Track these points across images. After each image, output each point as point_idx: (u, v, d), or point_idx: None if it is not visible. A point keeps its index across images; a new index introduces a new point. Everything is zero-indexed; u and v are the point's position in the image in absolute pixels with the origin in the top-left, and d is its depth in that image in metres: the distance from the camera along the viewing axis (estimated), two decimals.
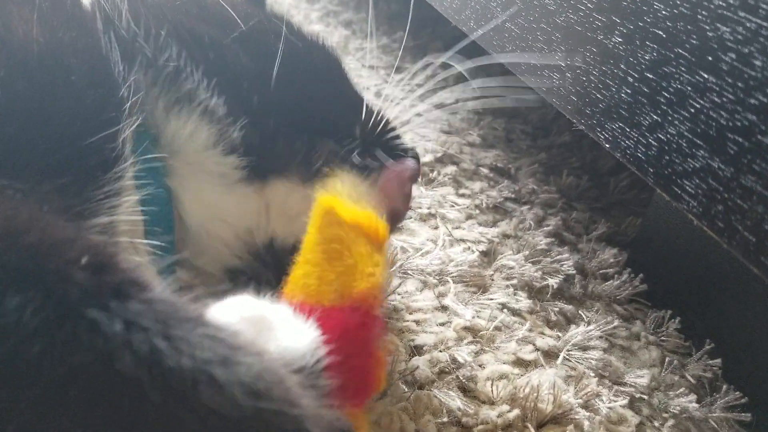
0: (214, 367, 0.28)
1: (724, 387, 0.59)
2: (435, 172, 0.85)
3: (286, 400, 0.30)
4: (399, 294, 0.63)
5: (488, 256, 0.71)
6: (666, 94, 0.49)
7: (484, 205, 0.81)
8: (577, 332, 0.62)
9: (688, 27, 0.46)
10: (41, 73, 0.40)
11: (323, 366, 0.37)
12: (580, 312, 0.66)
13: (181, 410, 0.27)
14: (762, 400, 0.58)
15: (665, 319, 0.67)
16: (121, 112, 0.43)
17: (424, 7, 0.97)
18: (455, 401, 0.52)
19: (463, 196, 0.82)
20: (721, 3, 0.43)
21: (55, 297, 0.28)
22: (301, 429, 0.29)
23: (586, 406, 0.55)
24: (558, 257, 0.72)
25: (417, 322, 0.61)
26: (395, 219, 0.55)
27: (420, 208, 0.77)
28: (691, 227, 0.65)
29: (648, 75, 0.50)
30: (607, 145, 0.56)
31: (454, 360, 0.56)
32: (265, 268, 0.54)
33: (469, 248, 0.72)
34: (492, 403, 0.53)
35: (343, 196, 0.47)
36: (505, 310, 0.64)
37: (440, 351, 0.57)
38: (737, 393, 0.58)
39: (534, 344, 0.60)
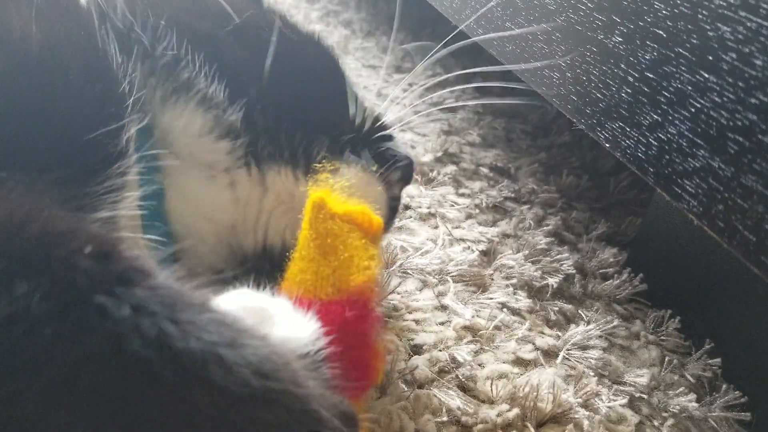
0: (222, 348, 0.29)
1: (724, 386, 0.59)
2: (435, 172, 0.85)
3: (292, 381, 0.30)
4: (398, 293, 0.63)
5: (488, 255, 0.71)
6: (666, 94, 0.49)
7: (484, 204, 0.81)
8: (576, 332, 0.62)
9: (689, 26, 0.46)
10: (40, 69, 0.40)
11: (324, 357, 0.37)
12: (579, 311, 0.66)
13: (192, 389, 0.28)
14: (762, 399, 0.58)
15: (665, 318, 0.67)
16: (123, 108, 0.43)
17: (424, 7, 0.97)
18: (455, 400, 0.52)
19: (463, 195, 0.82)
20: (721, 2, 0.43)
21: (62, 284, 0.28)
22: (307, 409, 0.30)
23: (585, 406, 0.55)
24: (558, 257, 0.72)
25: (416, 321, 0.61)
26: None
27: (420, 207, 0.77)
28: (691, 227, 0.65)
29: (648, 74, 0.50)
30: (607, 145, 0.56)
31: (453, 359, 0.56)
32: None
33: (468, 248, 0.72)
34: (492, 402, 0.53)
35: (335, 191, 0.48)
36: (504, 310, 0.64)
37: (440, 350, 0.57)
38: (737, 392, 0.58)
39: (534, 343, 0.60)
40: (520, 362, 0.58)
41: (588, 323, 0.64)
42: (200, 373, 0.28)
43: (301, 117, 0.54)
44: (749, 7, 0.41)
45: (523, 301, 0.65)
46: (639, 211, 0.83)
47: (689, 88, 0.46)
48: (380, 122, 0.59)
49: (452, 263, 0.68)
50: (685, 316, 0.67)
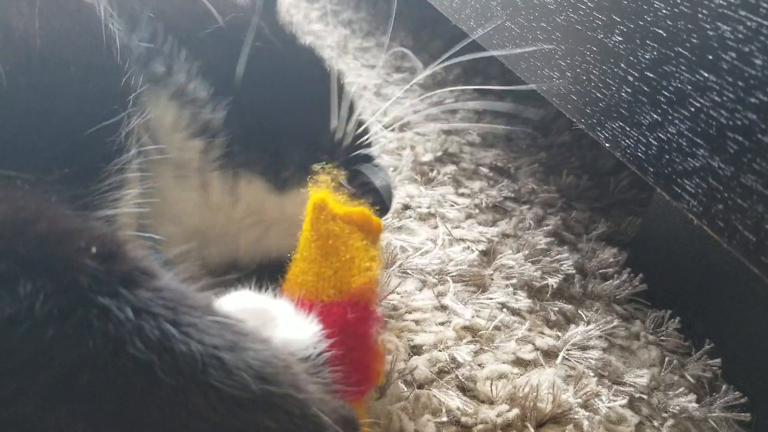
0: (223, 352, 0.29)
1: (724, 387, 0.59)
2: (435, 172, 0.85)
3: (293, 385, 0.30)
4: (398, 293, 0.63)
5: (488, 255, 0.71)
6: (666, 93, 0.48)
7: (484, 204, 0.80)
8: (576, 332, 0.62)
9: (689, 26, 0.46)
10: (43, 67, 0.40)
11: (325, 359, 0.37)
12: (579, 311, 0.66)
13: (191, 392, 0.28)
14: (762, 399, 0.58)
15: (665, 318, 0.67)
16: (123, 102, 0.43)
17: (424, 7, 0.97)
18: (454, 401, 0.52)
19: (462, 195, 0.82)
20: (721, 2, 0.43)
21: (65, 284, 0.29)
22: (307, 413, 0.30)
23: (585, 406, 0.55)
24: (558, 257, 0.72)
25: (416, 321, 0.60)
26: None
27: (419, 207, 0.77)
28: (691, 227, 0.65)
29: (648, 74, 0.50)
30: (607, 145, 0.56)
31: (453, 359, 0.56)
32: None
33: (468, 248, 0.72)
34: (491, 402, 0.53)
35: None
36: (504, 310, 0.63)
37: (439, 350, 0.57)
38: (737, 393, 0.58)
39: (533, 344, 0.60)
40: (519, 362, 0.58)
41: (588, 323, 0.64)
42: (200, 376, 0.28)
43: (276, 127, 0.52)
44: (749, 6, 0.41)
45: (522, 302, 0.65)
46: (639, 211, 0.83)
47: (689, 87, 0.46)
48: (361, 140, 0.56)
49: (452, 263, 0.68)
50: (685, 317, 0.67)
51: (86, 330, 0.28)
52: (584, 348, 0.61)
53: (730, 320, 0.63)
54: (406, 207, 0.77)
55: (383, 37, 1.29)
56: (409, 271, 0.66)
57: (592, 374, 0.58)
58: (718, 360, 0.62)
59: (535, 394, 0.53)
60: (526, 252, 0.71)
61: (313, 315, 0.40)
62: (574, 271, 0.70)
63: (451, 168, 0.87)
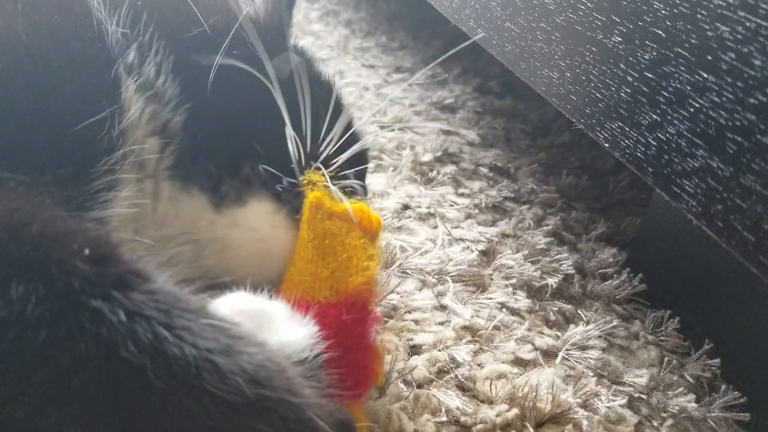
0: (216, 356, 0.29)
1: (723, 387, 0.59)
2: (434, 172, 0.85)
3: (287, 389, 0.30)
4: (398, 293, 0.63)
5: (487, 255, 0.71)
6: (665, 94, 0.49)
7: (484, 204, 0.80)
8: (576, 332, 0.62)
9: (688, 26, 0.46)
10: (30, 65, 0.39)
11: (322, 360, 0.37)
12: (579, 311, 0.66)
13: (185, 396, 0.28)
14: (761, 399, 0.58)
15: (664, 318, 0.67)
16: (115, 96, 0.42)
17: (424, 7, 0.97)
18: (454, 400, 0.52)
19: (462, 195, 0.82)
20: (720, 2, 0.43)
21: (58, 287, 0.28)
22: (302, 417, 0.30)
23: (584, 406, 0.55)
24: (557, 257, 0.72)
25: (416, 321, 0.60)
26: None
27: (419, 207, 0.77)
28: (690, 227, 0.65)
29: (647, 74, 0.50)
30: (607, 145, 0.56)
31: (452, 359, 0.56)
32: None
33: (468, 247, 0.72)
34: (491, 402, 0.53)
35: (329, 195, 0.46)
36: (504, 310, 0.63)
37: (439, 350, 0.57)
38: (736, 393, 0.58)
39: (533, 344, 0.60)
40: (519, 362, 0.58)
41: (587, 323, 0.64)
42: (194, 380, 0.28)
43: (232, 140, 0.49)
44: (748, 7, 0.41)
45: (522, 301, 0.65)
46: (638, 211, 0.83)
47: (688, 88, 0.46)
48: (336, 160, 0.52)
49: (451, 263, 0.68)
50: (684, 317, 0.67)
51: (78, 333, 0.28)
52: (583, 348, 0.61)
53: (730, 320, 0.63)
54: (406, 207, 0.77)
55: (383, 37, 1.29)
56: (408, 271, 0.66)
57: (591, 374, 0.58)
58: (718, 360, 0.62)
59: (534, 393, 0.53)
60: (526, 252, 0.71)
61: (309, 316, 0.40)
62: (573, 271, 0.70)
63: (450, 168, 0.87)
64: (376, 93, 1.04)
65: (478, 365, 0.57)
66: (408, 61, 1.20)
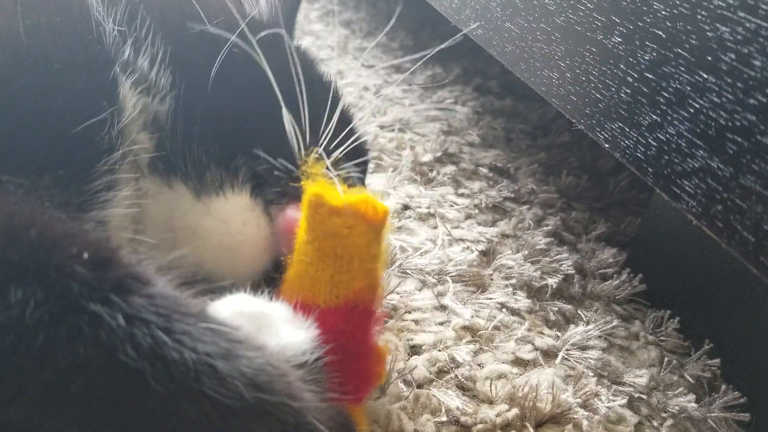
0: (216, 360, 0.29)
1: (723, 387, 0.59)
2: (434, 172, 0.85)
3: (287, 393, 0.30)
4: (398, 293, 0.63)
5: (487, 255, 0.71)
6: (665, 94, 0.49)
7: (484, 204, 0.80)
8: (576, 332, 0.62)
9: (688, 27, 0.46)
10: (30, 66, 0.39)
11: (323, 363, 0.37)
12: (579, 312, 0.66)
13: (184, 400, 0.28)
14: (761, 399, 0.58)
15: (664, 318, 0.67)
16: (113, 97, 0.42)
17: (424, 7, 0.97)
18: (454, 400, 0.52)
19: (462, 195, 0.82)
20: (720, 3, 0.43)
21: (57, 291, 0.28)
22: (302, 421, 0.30)
23: (584, 406, 0.55)
24: (557, 257, 0.72)
25: (416, 321, 0.61)
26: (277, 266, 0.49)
27: (419, 207, 0.77)
28: (690, 227, 0.65)
29: (647, 75, 0.50)
30: (607, 145, 0.56)
31: (453, 359, 0.56)
32: None
33: (468, 248, 0.72)
34: (491, 402, 0.53)
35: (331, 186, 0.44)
36: (504, 310, 0.64)
37: (439, 350, 0.57)
38: (736, 393, 0.58)
39: (533, 344, 0.60)
40: (519, 362, 0.58)
41: (587, 323, 0.64)
42: (193, 384, 0.28)
43: (218, 132, 0.49)
44: (748, 7, 0.41)
45: (522, 302, 0.65)
46: (638, 212, 0.83)
47: (688, 88, 0.46)
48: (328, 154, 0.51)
49: (451, 263, 0.68)
50: (684, 317, 0.67)
51: (77, 337, 0.27)
52: (583, 348, 0.61)
53: (730, 320, 0.63)
54: (406, 207, 0.77)
55: (383, 37, 1.29)
56: (408, 271, 0.67)
57: (591, 374, 0.58)
58: (718, 360, 0.62)
59: (534, 393, 0.53)
60: (526, 252, 0.71)
61: (310, 319, 0.40)
62: (573, 272, 0.70)
63: (450, 168, 0.87)
64: (376, 93, 1.04)
65: (478, 365, 0.57)
66: (408, 61, 1.20)
